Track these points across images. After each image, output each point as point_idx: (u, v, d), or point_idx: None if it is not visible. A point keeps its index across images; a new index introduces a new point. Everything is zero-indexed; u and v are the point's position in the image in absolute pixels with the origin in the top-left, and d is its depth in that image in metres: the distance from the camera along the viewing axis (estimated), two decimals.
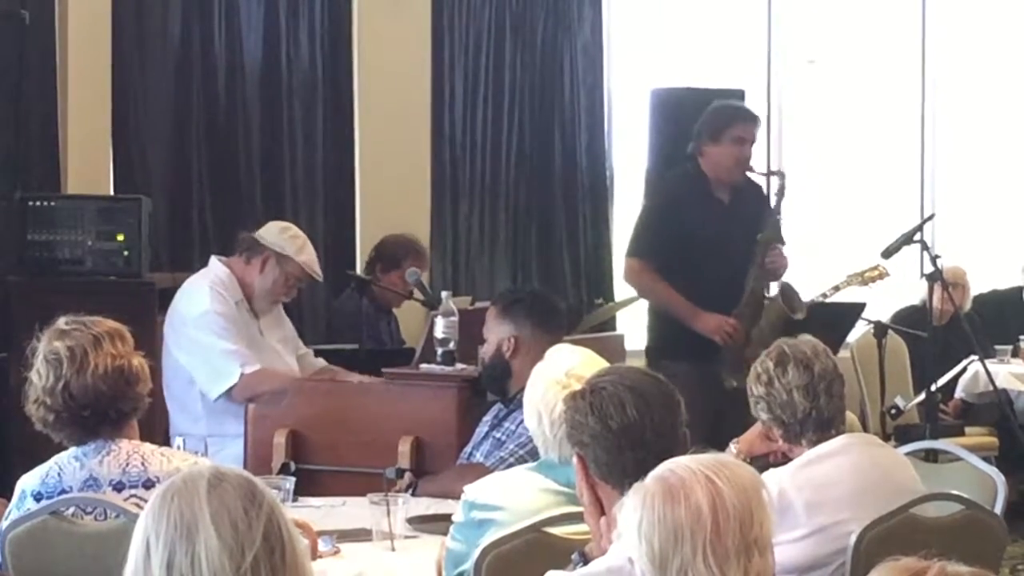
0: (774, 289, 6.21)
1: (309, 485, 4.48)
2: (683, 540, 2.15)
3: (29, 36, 6.02)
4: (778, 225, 6.00)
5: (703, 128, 5.99)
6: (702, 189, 5.95)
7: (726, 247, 5.84)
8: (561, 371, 3.37)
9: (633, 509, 2.19)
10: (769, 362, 3.61)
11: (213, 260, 5.40)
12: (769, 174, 6.43)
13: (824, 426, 3.58)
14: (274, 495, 2.07)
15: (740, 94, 7.67)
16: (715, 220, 5.89)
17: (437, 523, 3.79)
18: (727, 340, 5.78)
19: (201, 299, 5.20)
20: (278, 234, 5.38)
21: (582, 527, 2.97)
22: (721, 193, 5.96)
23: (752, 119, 6.01)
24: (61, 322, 3.42)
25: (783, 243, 5.99)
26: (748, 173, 6.01)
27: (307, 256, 5.36)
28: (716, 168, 5.94)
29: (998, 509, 3.81)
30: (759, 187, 6.22)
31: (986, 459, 4.40)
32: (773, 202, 6.06)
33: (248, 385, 5.08)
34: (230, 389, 5.09)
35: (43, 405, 3.37)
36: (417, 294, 5.74)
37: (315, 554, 3.52)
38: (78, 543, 3.29)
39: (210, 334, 5.14)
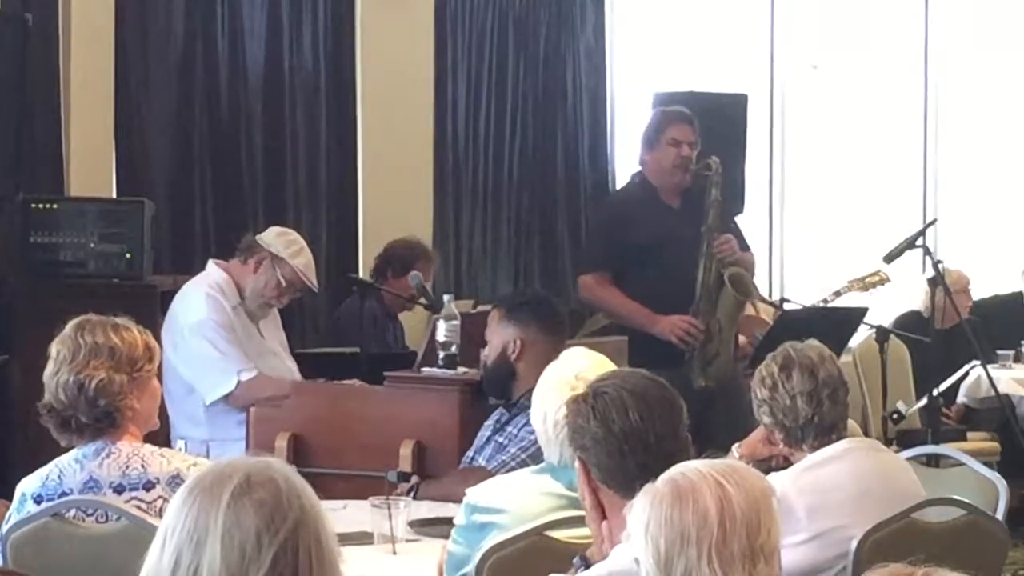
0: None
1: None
2: (689, 543, 2.15)
3: (32, 38, 6.02)
4: (719, 212, 5.78)
5: (642, 138, 5.94)
6: (649, 198, 5.87)
7: (679, 250, 5.73)
8: (571, 373, 3.36)
9: (642, 510, 2.19)
10: (774, 366, 3.61)
11: (211, 265, 5.38)
12: (701, 167, 5.82)
13: (825, 432, 3.58)
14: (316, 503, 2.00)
15: (743, 98, 7.67)
16: (665, 225, 5.80)
17: (439, 526, 3.78)
18: (684, 339, 5.70)
19: (198, 306, 5.19)
20: (276, 236, 5.38)
21: (584, 531, 2.97)
22: (670, 199, 5.88)
23: (685, 119, 5.86)
24: (79, 320, 3.42)
25: (725, 230, 5.78)
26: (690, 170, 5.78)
27: (302, 260, 5.33)
28: (659, 175, 5.85)
29: (1000, 514, 3.81)
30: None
31: (988, 464, 4.39)
32: (713, 192, 5.76)
33: (245, 392, 5.08)
34: (227, 396, 5.10)
35: (52, 398, 3.38)
36: (421, 299, 5.74)
37: None
38: (79, 545, 3.29)
39: (206, 341, 5.13)
